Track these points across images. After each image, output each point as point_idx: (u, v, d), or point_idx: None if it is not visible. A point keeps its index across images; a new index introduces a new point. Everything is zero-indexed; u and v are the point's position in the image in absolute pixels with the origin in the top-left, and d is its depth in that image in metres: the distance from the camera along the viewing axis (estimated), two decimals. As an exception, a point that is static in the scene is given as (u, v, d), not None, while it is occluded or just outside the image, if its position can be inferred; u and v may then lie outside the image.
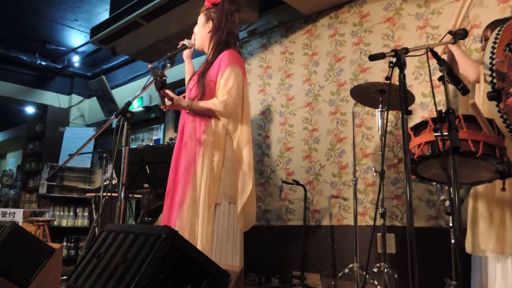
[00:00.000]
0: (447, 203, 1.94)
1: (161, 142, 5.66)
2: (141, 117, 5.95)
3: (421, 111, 3.08)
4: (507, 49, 1.59)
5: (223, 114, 2.03)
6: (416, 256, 1.41)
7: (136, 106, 5.83)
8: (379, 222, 2.63)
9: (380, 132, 2.75)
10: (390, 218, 3.10)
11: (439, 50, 2.26)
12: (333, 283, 3.02)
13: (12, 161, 10.78)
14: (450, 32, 2.03)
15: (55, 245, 2.01)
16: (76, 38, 6.05)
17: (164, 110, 2.08)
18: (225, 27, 2.18)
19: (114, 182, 4.53)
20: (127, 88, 6.39)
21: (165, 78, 1.93)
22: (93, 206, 5.00)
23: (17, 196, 7.45)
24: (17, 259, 1.87)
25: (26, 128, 7.83)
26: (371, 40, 3.51)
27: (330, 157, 3.61)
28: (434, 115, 1.74)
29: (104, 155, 4.99)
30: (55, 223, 5.90)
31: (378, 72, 3.40)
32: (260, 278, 3.74)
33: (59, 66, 6.92)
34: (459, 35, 1.84)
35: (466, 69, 2.17)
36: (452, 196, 1.60)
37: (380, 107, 2.71)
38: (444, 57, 2.28)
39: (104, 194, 4.20)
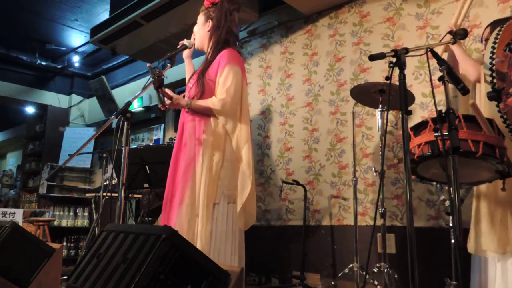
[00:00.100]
0: (447, 203, 1.94)
1: (161, 142, 5.66)
2: (141, 117, 5.95)
3: (421, 111, 3.08)
4: (507, 49, 1.59)
5: (221, 113, 2.03)
6: (416, 256, 1.41)
7: (136, 106, 5.83)
8: (379, 222, 2.63)
9: (380, 132, 2.75)
10: (390, 218, 3.10)
11: (439, 50, 2.26)
12: (333, 283, 3.02)
13: (12, 161, 10.78)
14: (450, 32, 2.03)
15: (55, 245, 2.01)
16: (76, 38, 6.05)
17: (162, 109, 2.08)
18: (225, 26, 2.18)
19: (114, 182, 4.53)
20: (127, 88, 6.39)
21: (162, 77, 1.93)
22: (93, 206, 5.00)
23: (17, 196, 7.45)
24: (17, 259, 1.87)
25: (26, 128, 7.83)
26: (371, 40, 3.51)
27: (330, 157, 3.61)
28: (434, 115, 1.74)
29: (104, 155, 4.99)
30: (55, 223, 5.90)
31: (378, 72, 3.40)
32: (260, 278, 3.74)
33: (59, 66, 6.92)
34: (459, 35, 1.84)
35: (467, 69, 2.17)
36: (452, 196, 1.60)
37: (380, 107, 2.71)
38: (445, 56, 2.28)
39: (104, 194, 4.20)
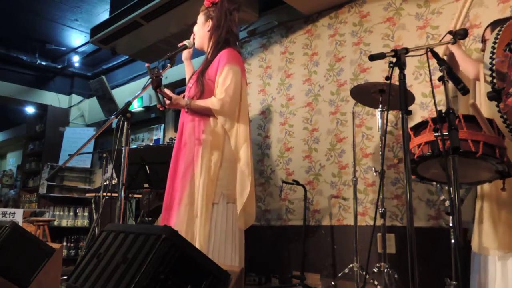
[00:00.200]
0: (447, 203, 1.94)
1: (161, 142, 5.66)
2: (141, 117, 5.95)
3: (421, 111, 3.08)
4: (507, 49, 1.59)
5: (220, 113, 2.03)
6: (416, 256, 1.41)
7: (136, 106, 5.83)
8: (379, 222, 2.63)
9: (380, 132, 2.75)
10: (390, 218, 3.10)
11: (439, 50, 2.26)
12: (333, 283, 3.02)
13: (12, 161, 10.78)
14: (450, 32, 2.03)
15: (55, 245, 2.01)
16: (76, 38, 6.05)
17: (161, 109, 2.08)
18: (225, 25, 2.18)
19: (114, 182, 4.53)
20: (127, 88, 6.39)
21: (160, 77, 1.93)
22: (93, 206, 5.00)
23: (17, 196, 7.45)
24: (17, 259, 1.87)
25: (26, 128, 7.83)
26: (371, 40, 3.51)
27: (330, 157, 3.61)
28: (434, 115, 1.74)
29: (104, 155, 4.99)
30: (55, 223, 5.90)
31: (378, 72, 3.40)
32: (260, 278, 3.74)
33: (59, 66, 6.92)
34: (459, 35, 1.84)
35: (466, 67, 2.17)
36: (452, 196, 1.60)
37: (380, 107, 2.71)
38: (445, 58, 2.28)
39: (104, 194, 4.19)
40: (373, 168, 2.89)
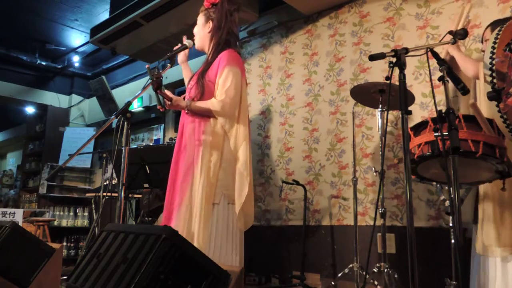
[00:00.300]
0: (447, 203, 1.94)
1: (161, 142, 5.66)
2: (141, 117, 5.95)
3: (421, 111, 3.08)
4: (507, 49, 1.59)
5: (221, 114, 2.04)
6: (416, 256, 1.41)
7: (136, 106, 5.83)
8: (379, 222, 2.63)
9: (380, 132, 2.75)
10: (390, 218, 3.10)
11: (439, 50, 2.26)
12: (333, 283, 3.02)
13: (12, 161, 10.78)
14: (450, 32, 2.03)
15: (55, 245, 2.01)
16: (76, 38, 6.05)
17: (161, 110, 2.08)
18: (225, 27, 2.18)
19: (114, 182, 4.53)
20: (127, 88, 6.39)
21: (161, 78, 1.93)
22: (93, 206, 5.00)
23: (17, 196, 7.45)
24: (17, 259, 1.87)
25: (26, 128, 7.83)
26: (371, 40, 3.51)
27: (330, 157, 3.61)
28: (434, 115, 1.74)
29: (104, 155, 4.99)
30: (55, 223, 5.90)
31: (378, 72, 3.40)
32: (260, 278, 3.74)
33: (59, 66, 6.92)
34: (459, 35, 1.84)
35: (466, 67, 2.17)
36: (452, 196, 1.60)
37: (380, 107, 2.71)
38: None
39: (104, 194, 4.19)
40: (373, 168, 2.89)
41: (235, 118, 2.07)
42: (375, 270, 2.61)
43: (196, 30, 2.30)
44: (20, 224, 3.94)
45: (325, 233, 3.51)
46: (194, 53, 4.84)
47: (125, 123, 1.90)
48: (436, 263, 2.68)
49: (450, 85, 1.74)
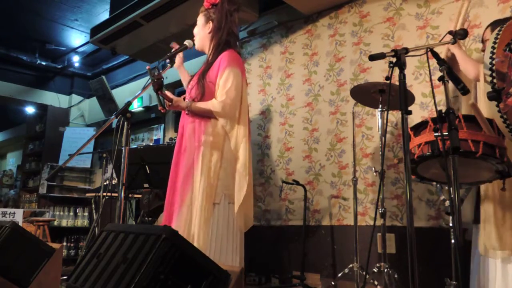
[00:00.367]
0: (447, 203, 1.94)
1: (161, 142, 5.66)
2: (141, 117, 5.95)
3: (421, 111, 3.08)
4: (507, 49, 1.59)
5: (221, 115, 2.04)
6: (416, 256, 1.41)
7: (136, 106, 5.83)
8: (379, 222, 2.63)
9: (380, 132, 2.75)
10: (390, 218, 3.10)
11: (440, 50, 2.26)
12: (333, 283, 3.02)
13: (12, 161, 10.78)
14: (450, 32, 2.03)
15: (55, 245, 2.01)
16: (76, 38, 6.05)
17: (162, 111, 2.08)
18: (225, 27, 2.18)
19: (114, 182, 4.53)
20: (127, 88, 6.39)
21: (162, 79, 1.94)
22: (93, 206, 5.00)
23: (17, 196, 7.45)
24: (17, 259, 1.87)
25: (26, 128, 7.83)
26: (371, 40, 3.51)
27: (330, 157, 3.61)
28: (434, 115, 1.74)
29: (104, 155, 4.99)
30: (55, 223, 5.90)
31: (378, 72, 3.40)
32: (260, 278, 3.74)
33: (59, 66, 6.92)
34: (459, 35, 1.84)
35: (466, 68, 2.17)
36: (452, 196, 1.60)
37: (380, 107, 2.71)
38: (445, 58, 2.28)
39: (104, 194, 4.19)
40: (373, 168, 2.89)
41: (236, 119, 2.08)
42: (375, 270, 2.61)
43: (196, 31, 2.30)
44: (20, 224, 3.94)
45: (325, 233, 3.51)
46: (194, 53, 4.84)
47: (125, 123, 1.91)
48: (436, 263, 2.68)
49: (450, 85, 1.74)
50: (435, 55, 1.71)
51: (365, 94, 2.72)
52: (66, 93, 7.29)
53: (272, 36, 4.29)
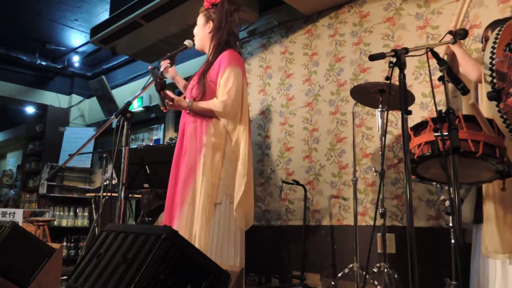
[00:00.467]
0: (447, 203, 1.94)
1: (161, 142, 5.66)
2: (141, 117, 5.95)
3: (421, 111, 3.08)
4: (507, 49, 1.59)
5: (223, 115, 2.04)
6: (416, 256, 1.41)
7: (136, 106, 5.83)
8: (379, 222, 2.63)
9: (380, 132, 2.75)
10: (390, 218, 3.10)
11: (440, 50, 2.26)
12: (333, 283, 3.02)
13: (12, 161, 10.78)
14: (450, 32, 2.03)
15: (55, 245, 2.01)
16: (76, 38, 6.05)
17: (164, 111, 2.08)
18: (226, 27, 2.18)
19: (114, 182, 4.53)
20: (127, 88, 6.39)
21: (164, 79, 1.94)
22: (93, 206, 5.00)
23: (17, 196, 7.45)
24: (17, 259, 1.87)
25: (26, 128, 7.83)
26: (371, 40, 3.51)
27: (330, 157, 3.61)
28: (434, 115, 1.74)
29: (104, 155, 4.99)
30: (55, 223, 5.90)
31: (378, 72, 3.40)
32: (260, 278, 3.74)
33: (59, 66, 6.92)
34: (459, 35, 1.84)
35: (467, 69, 2.17)
36: (452, 196, 1.60)
37: (380, 107, 2.71)
38: (445, 57, 2.28)
39: (104, 194, 4.19)
40: (373, 168, 2.89)
41: (237, 119, 2.08)
42: (375, 270, 2.61)
43: (196, 31, 2.30)
44: (20, 224, 3.94)
45: (325, 233, 3.51)
46: (194, 53, 4.84)
47: (125, 123, 1.91)
48: (436, 263, 2.68)
49: (450, 85, 1.74)
50: (435, 55, 1.71)
51: (365, 94, 2.72)
52: (66, 93, 7.29)
53: (272, 36, 4.29)
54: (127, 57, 5.96)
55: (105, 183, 4.45)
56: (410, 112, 1.56)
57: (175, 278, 1.08)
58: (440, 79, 1.70)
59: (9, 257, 1.87)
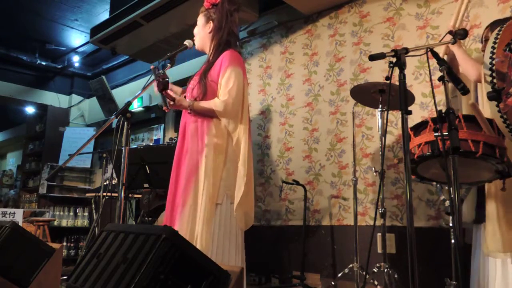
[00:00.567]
0: (447, 203, 1.94)
1: (161, 142, 5.66)
2: (141, 117, 5.95)
3: (421, 111, 3.08)
4: (507, 49, 1.59)
5: (224, 114, 2.04)
6: (416, 256, 1.41)
7: (136, 106, 5.83)
8: (379, 222, 2.63)
9: (380, 132, 2.75)
10: (390, 218, 3.10)
11: (440, 50, 2.26)
12: (333, 283, 3.02)
13: (12, 161, 10.78)
14: (450, 32, 2.03)
15: (55, 245, 2.01)
16: (76, 38, 6.05)
17: (166, 111, 2.08)
18: (226, 27, 2.18)
19: (114, 182, 4.53)
20: (127, 88, 6.39)
21: (167, 79, 1.94)
22: (93, 206, 5.00)
23: (17, 196, 7.45)
24: (17, 259, 1.87)
25: (26, 128, 7.83)
26: (371, 40, 3.51)
27: (330, 157, 3.61)
28: (434, 115, 1.74)
29: (104, 155, 4.99)
30: (55, 223, 5.90)
31: (378, 72, 3.40)
32: (260, 278, 3.74)
33: (59, 66, 6.92)
34: (459, 35, 1.84)
35: (467, 69, 2.17)
36: (452, 196, 1.60)
37: (380, 107, 2.71)
38: (445, 57, 2.28)
39: (104, 194, 4.19)
40: (373, 168, 2.89)
41: (238, 118, 2.08)
42: (375, 270, 2.61)
43: (196, 31, 2.30)
44: (20, 224, 3.94)
45: (325, 233, 3.51)
46: (194, 53, 4.84)
47: (125, 123, 1.90)
48: (436, 263, 2.68)
49: (450, 85, 1.74)
50: (435, 55, 1.71)
51: (365, 94, 2.72)
52: (66, 93, 7.29)
53: (272, 36, 4.29)
54: (127, 57, 5.96)
55: (105, 183, 4.45)
56: (410, 112, 1.55)
57: (175, 278, 1.08)
58: (440, 79, 1.70)
59: (9, 257, 1.87)
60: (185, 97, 2.18)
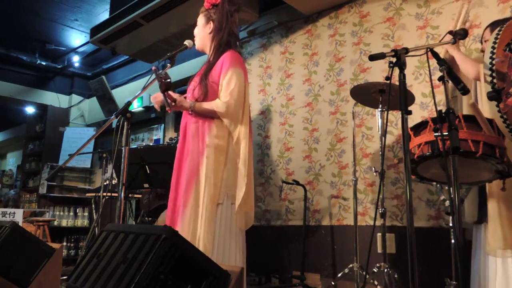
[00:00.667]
0: (447, 203, 1.94)
1: (161, 142, 5.66)
2: (141, 117, 5.95)
3: (421, 111, 3.08)
4: (507, 49, 1.59)
5: (225, 115, 2.04)
6: (416, 256, 1.41)
7: (136, 106, 5.82)
8: (379, 222, 2.63)
9: (380, 132, 2.75)
10: (390, 218, 3.10)
11: (439, 50, 2.26)
12: (333, 283, 3.02)
13: (12, 161, 10.78)
14: (450, 32, 2.03)
15: (55, 245, 2.01)
16: (76, 38, 6.05)
17: (169, 112, 2.08)
18: (226, 27, 2.18)
19: (114, 182, 4.53)
20: (127, 88, 6.39)
21: (169, 80, 1.93)
22: (93, 206, 5.00)
23: (17, 196, 7.45)
24: (17, 259, 1.87)
25: (26, 128, 7.83)
26: (371, 40, 3.51)
27: (330, 157, 3.61)
28: (434, 115, 1.74)
29: (104, 155, 4.99)
30: (55, 223, 5.90)
31: (378, 72, 3.40)
32: (260, 278, 3.74)
33: (59, 66, 6.92)
34: (459, 35, 1.84)
35: (466, 68, 2.17)
36: (452, 196, 1.60)
37: (380, 107, 2.71)
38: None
39: (104, 194, 4.19)
40: (373, 168, 2.89)
41: (239, 119, 2.08)
42: (375, 270, 2.61)
43: (196, 31, 2.29)
44: (20, 224, 3.94)
45: (325, 233, 3.51)
46: (194, 53, 4.84)
47: (125, 123, 1.90)
48: (436, 263, 2.68)
49: (450, 85, 1.74)
50: (435, 55, 1.71)
51: (365, 94, 2.72)
52: (66, 93, 7.29)
53: (272, 36, 4.29)
54: (127, 57, 5.96)
55: (105, 183, 4.45)
56: (410, 112, 1.56)
57: (175, 278, 1.08)
58: (440, 79, 1.70)
59: (9, 257, 1.87)
60: (185, 98, 2.18)
